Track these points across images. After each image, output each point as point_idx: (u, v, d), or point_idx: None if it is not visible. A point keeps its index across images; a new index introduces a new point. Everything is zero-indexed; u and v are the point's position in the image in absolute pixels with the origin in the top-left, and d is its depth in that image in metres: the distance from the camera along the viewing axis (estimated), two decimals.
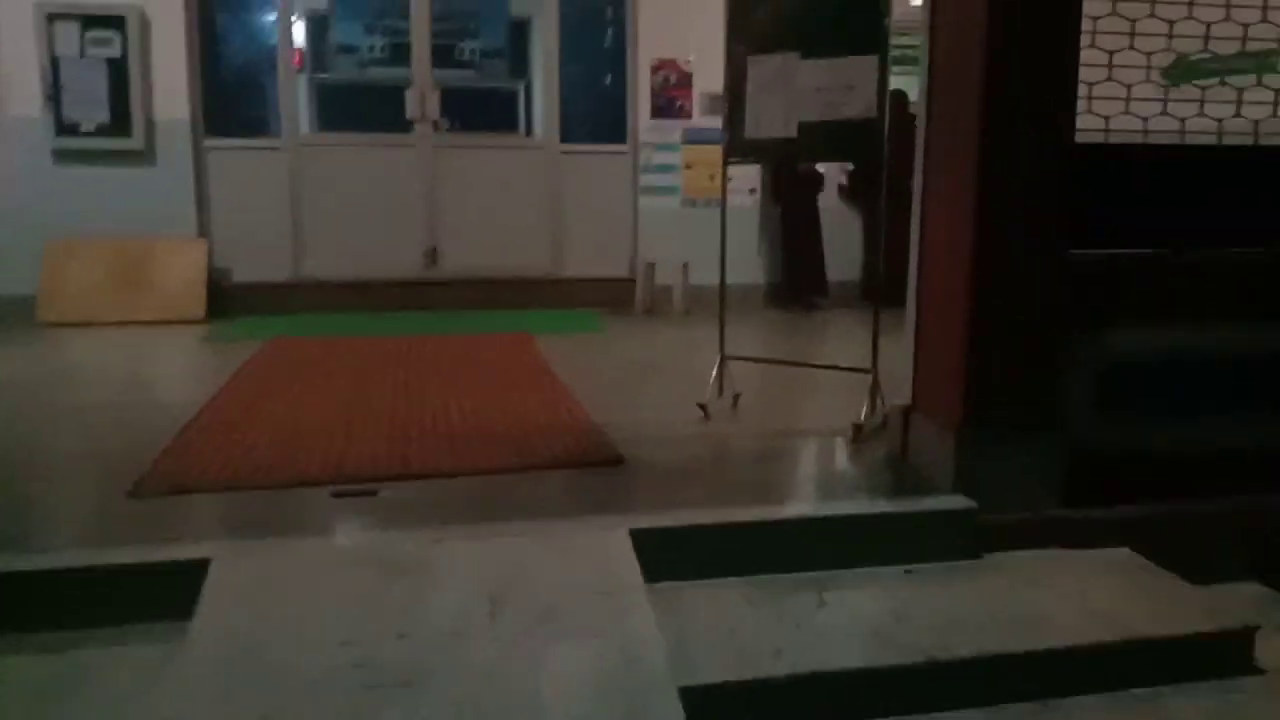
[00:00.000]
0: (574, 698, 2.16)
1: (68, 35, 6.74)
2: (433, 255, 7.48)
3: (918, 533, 3.00)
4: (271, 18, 7.38)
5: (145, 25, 6.84)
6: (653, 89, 7.58)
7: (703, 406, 4.06)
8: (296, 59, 7.56)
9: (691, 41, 7.36)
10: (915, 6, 3.76)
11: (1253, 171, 3.32)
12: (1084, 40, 3.06)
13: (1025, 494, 3.10)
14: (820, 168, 7.74)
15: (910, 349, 3.42)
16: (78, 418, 4.13)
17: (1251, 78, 3.53)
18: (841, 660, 2.45)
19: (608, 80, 7.98)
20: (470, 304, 7.36)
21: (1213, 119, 3.44)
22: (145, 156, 6.97)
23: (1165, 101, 3.42)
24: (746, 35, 4.05)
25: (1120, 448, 3.18)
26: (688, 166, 7.68)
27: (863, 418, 3.74)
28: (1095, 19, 3.14)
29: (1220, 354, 3.22)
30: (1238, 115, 3.47)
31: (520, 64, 8.57)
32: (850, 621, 2.65)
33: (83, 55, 6.76)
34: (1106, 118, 3.34)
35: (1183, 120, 3.39)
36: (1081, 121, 3.13)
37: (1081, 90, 3.13)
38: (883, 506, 3.09)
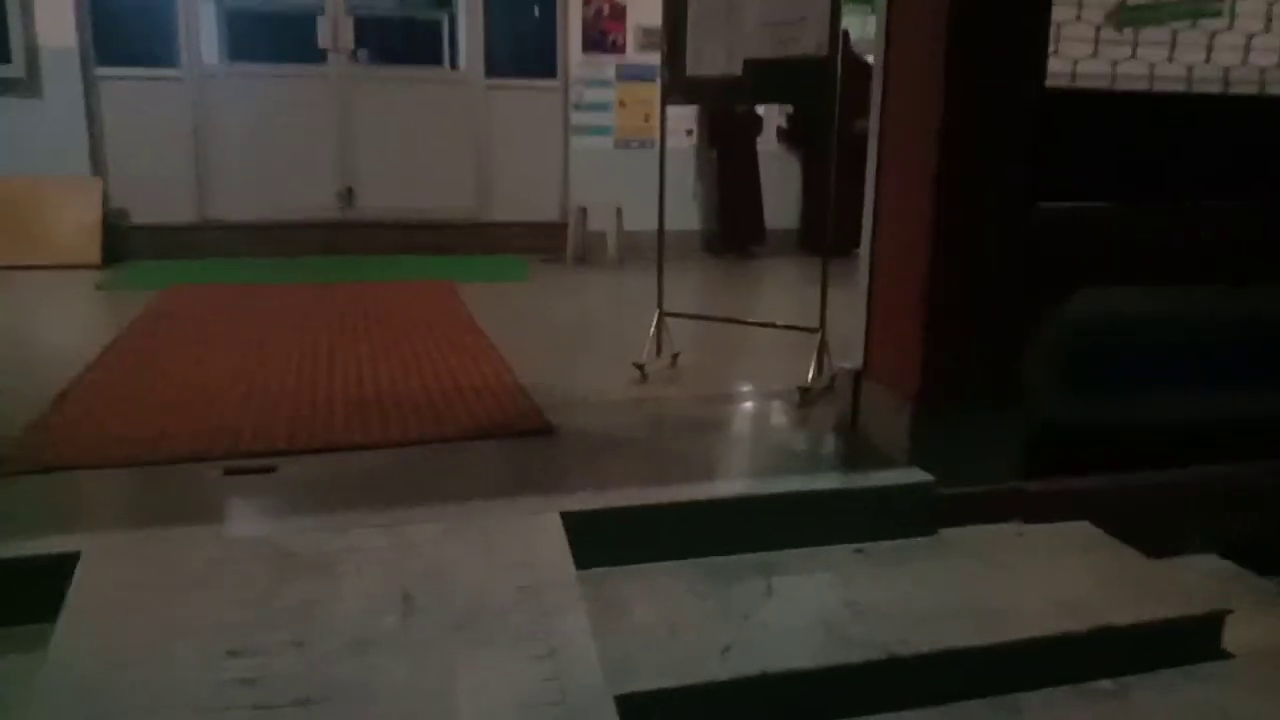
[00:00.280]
0: (496, 716, 1.90)
1: None
2: (348, 196, 7.03)
3: (871, 509, 2.79)
4: None
5: None
6: (585, 21, 7.18)
7: (639, 367, 3.79)
8: None
9: None
10: None
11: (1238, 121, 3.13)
12: None
13: (983, 465, 2.90)
14: (760, 109, 7.44)
15: (862, 311, 3.17)
16: None
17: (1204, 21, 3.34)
18: (794, 659, 2.22)
19: (536, 11, 7.51)
20: (388, 248, 6.97)
21: (1183, 64, 3.24)
22: (29, 86, 6.38)
23: (1134, 46, 3.20)
24: None
25: (1084, 416, 3.01)
26: (621, 105, 7.32)
27: (809, 380, 3.50)
28: None
29: (1191, 319, 3.05)
30: (1208, 61, 3.27)
31: None
32: (801, 613, 2.43)
33: None
34: (1075, 61, 3.11)
35: (1152, 65, 3.19)
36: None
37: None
38: (834, 481, 2.87)
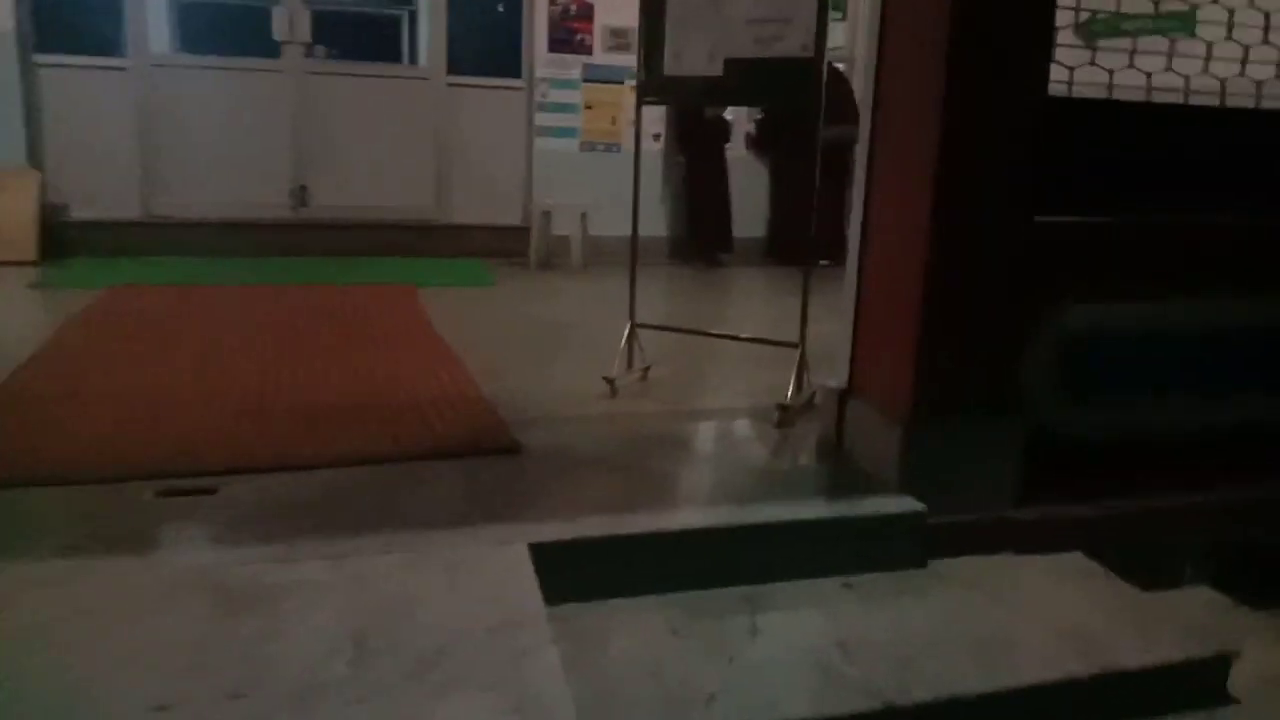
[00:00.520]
0: None
1: None
2: (301, 195, 6.75)
3: (860, 539, 2.62)
4: None
5: None
6: (551, 19, 6.97)
7: (610, 381, 3.58)
8: None
9: None
10: None
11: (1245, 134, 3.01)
12: None
13: (978, 493, 2.74)
14: (728, 115, 7.29)
15: (849, 326, 3.01)
16: None
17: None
18: (785, 708, 2.04)
19: (501, 7, 7.28)
20: (345, 250, 6.69)
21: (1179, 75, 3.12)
22: None
23: (1132, 54, 3.08)
24: None
25: (1083, 436, 2.86)
26: (588, 107, 7.11)
27: (789, 397, 3.33)
28: None
29: (1191, 331, 2.93)
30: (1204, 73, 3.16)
31: None
32: (790, 653, 2.25)
33: None
34: (1071, 69, 2.98)
35: (1148, 75, 3.06)
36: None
37: None
38: (822, 510, 2.69)
